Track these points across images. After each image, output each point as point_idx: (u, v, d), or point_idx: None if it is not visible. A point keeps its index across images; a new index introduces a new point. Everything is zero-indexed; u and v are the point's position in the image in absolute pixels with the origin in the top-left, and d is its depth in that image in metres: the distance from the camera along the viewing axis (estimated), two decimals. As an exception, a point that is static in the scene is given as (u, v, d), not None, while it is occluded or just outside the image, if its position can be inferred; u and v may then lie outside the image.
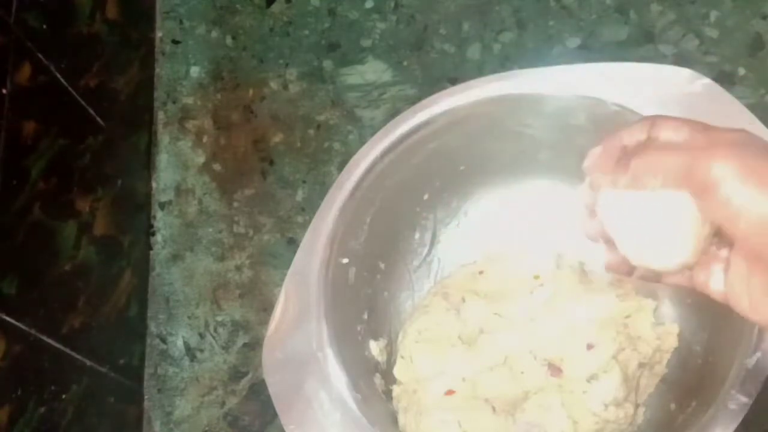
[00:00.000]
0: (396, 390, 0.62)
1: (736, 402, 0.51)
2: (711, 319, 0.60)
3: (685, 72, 0.58)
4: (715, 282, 0.41)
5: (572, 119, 0.60)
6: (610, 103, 0.58)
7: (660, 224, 0.40)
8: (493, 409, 0.57)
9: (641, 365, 0.59)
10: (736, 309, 0.39)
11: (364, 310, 0.63)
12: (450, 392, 0.59)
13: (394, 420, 0.61)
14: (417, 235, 0.68)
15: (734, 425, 0.51)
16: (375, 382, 0.61)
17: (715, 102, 0.57)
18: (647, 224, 0.41)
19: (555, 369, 0.58)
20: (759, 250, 0.36)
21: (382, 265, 0.65)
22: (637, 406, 0.60)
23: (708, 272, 0.41)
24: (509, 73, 0.61)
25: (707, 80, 0.58)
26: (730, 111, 0.56)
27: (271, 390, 0.56)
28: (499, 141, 0.64)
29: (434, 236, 0.68)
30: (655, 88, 0.57)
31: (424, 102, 0.61)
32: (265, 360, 0.57)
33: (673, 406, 0.59)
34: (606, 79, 0.58)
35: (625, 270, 0.45)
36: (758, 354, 0.52)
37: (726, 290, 0.39)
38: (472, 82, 0.60)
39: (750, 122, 0.56)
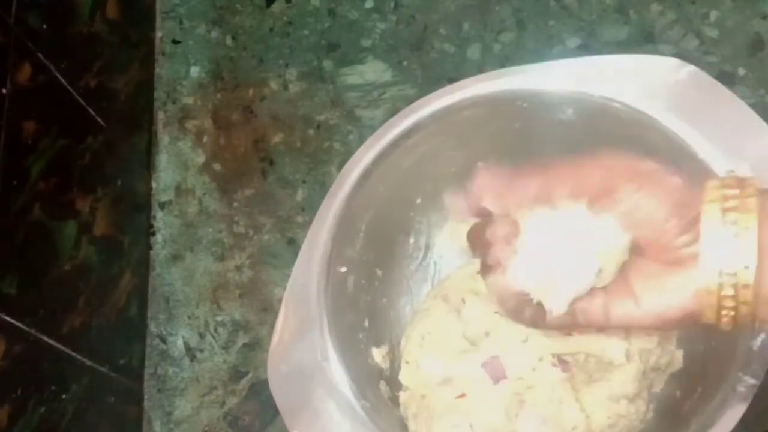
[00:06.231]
0: (403, 396, 0.62)
1: (744, 384, 0.50)
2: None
3: (671, 61, 0.58)
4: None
5: (560, 114, 0.60)
6: (596, 96, 0.58)
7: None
8: (506, 409, 0.57)
9: (654, 369, 0.59)
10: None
11: (364, 318, 0.63)
12: (462, 396, 0.58)
13: (403, 426, 0.60)
14: (412, 240, 0.67)
15: (743, 408, 0.50)
16: (380, 389, 0.61)
17: (702, 89, 0.57)
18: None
19: (564, 364, 0.57)
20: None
21: (379, 272, 0.65)
22: (649, 401, 0.59)
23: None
24: (493, 73, 0.60)
25: (692, 67, 0.57)
26: (718, 97, 0.56)
27: (279, 403, 0.56)
28: (488, 141, 0.63)
29: (429, 240, 0.68)
30: (642, 78, 0.58)
31: (413, 106, 0.60)
32: (271, 374, 0.57)
33: (678, 393, 0.59)
34: (593, 72, 0.58)
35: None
36: (762, 335, 0.51)
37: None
38: (455, 85, 0.60)
39: (737, 108, 0.56)
